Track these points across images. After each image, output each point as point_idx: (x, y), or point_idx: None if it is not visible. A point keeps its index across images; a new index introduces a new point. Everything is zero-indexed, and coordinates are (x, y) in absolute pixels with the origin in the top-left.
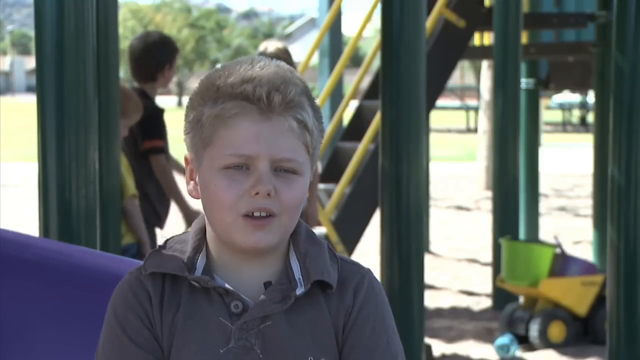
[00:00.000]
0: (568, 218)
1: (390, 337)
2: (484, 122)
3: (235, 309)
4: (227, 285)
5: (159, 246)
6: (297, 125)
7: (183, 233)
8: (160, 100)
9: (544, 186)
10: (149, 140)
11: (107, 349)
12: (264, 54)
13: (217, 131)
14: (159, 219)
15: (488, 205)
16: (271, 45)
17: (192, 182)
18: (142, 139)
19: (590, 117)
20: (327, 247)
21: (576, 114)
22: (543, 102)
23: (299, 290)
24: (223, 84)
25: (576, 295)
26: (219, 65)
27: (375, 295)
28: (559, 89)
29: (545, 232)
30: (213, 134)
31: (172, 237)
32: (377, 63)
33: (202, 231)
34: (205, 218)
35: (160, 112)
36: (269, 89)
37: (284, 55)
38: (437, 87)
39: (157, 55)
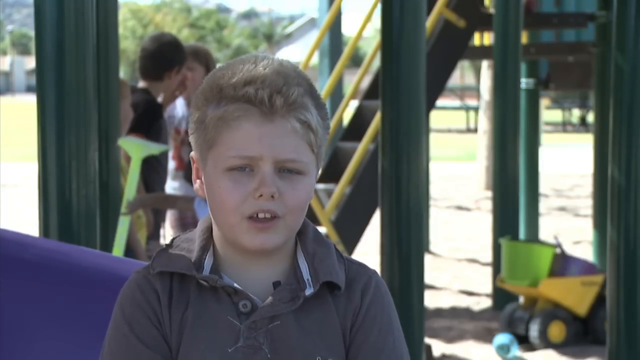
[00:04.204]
0: (568, 218)
1: (396, 337)
2: (484, 122)
3: (244, 308)
4: (235, 285)
5: (166, 245)
6: (300, 126)
7: (189, 231)
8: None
9: (544, 186)
10: (131, 133)
11: (114, 349)
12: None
13: (220, 133)
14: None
15: (488, 205)
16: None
17: (198, 181)
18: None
19: (590, 117)
20: (334, 247)
21: (576, 114)
22: (543, 102)
23: (308, 291)
24: (226, 85)
25: (576, 295)
26: (219, 64)
27: (382, 297)
28: (559, 89)
29: (545, 232)
30: (216, 136)
31: (178, 235)
32: (377, 63)
33: (209, 230)
34: (212, 218)
35: (158, 108)
36: (270, 92)
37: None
38: (437, 87)
39: (168, 56)
